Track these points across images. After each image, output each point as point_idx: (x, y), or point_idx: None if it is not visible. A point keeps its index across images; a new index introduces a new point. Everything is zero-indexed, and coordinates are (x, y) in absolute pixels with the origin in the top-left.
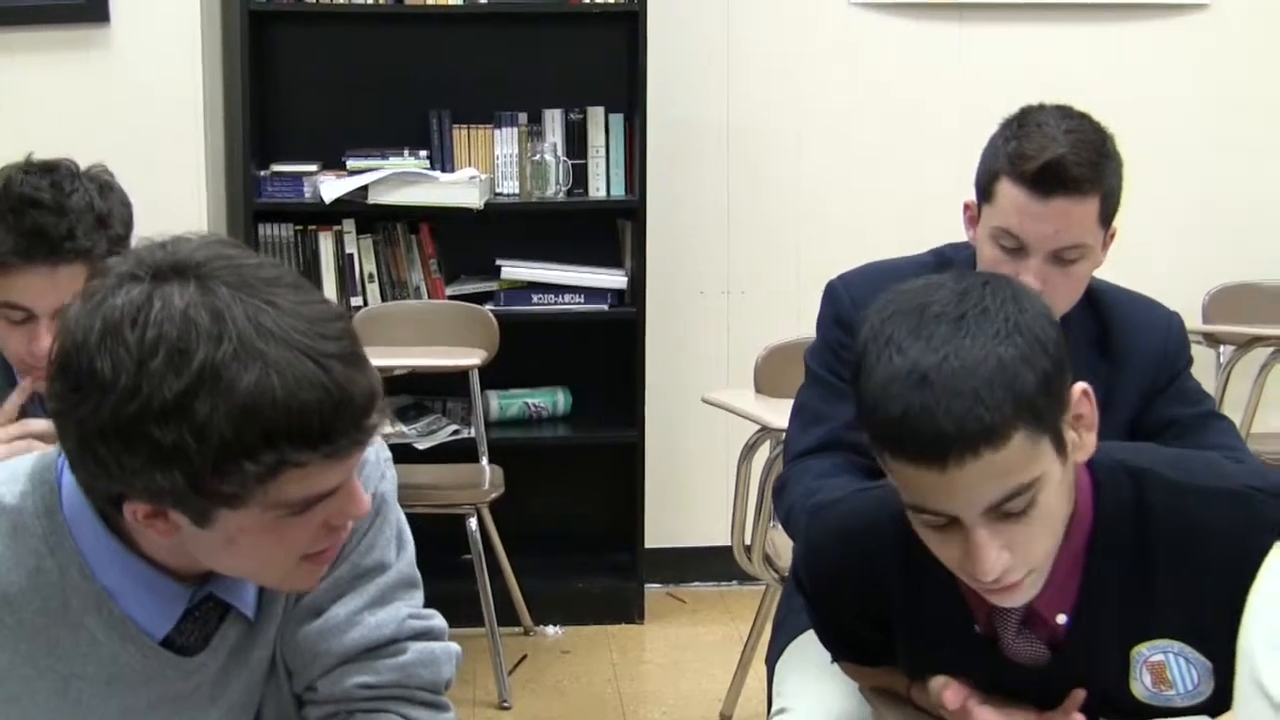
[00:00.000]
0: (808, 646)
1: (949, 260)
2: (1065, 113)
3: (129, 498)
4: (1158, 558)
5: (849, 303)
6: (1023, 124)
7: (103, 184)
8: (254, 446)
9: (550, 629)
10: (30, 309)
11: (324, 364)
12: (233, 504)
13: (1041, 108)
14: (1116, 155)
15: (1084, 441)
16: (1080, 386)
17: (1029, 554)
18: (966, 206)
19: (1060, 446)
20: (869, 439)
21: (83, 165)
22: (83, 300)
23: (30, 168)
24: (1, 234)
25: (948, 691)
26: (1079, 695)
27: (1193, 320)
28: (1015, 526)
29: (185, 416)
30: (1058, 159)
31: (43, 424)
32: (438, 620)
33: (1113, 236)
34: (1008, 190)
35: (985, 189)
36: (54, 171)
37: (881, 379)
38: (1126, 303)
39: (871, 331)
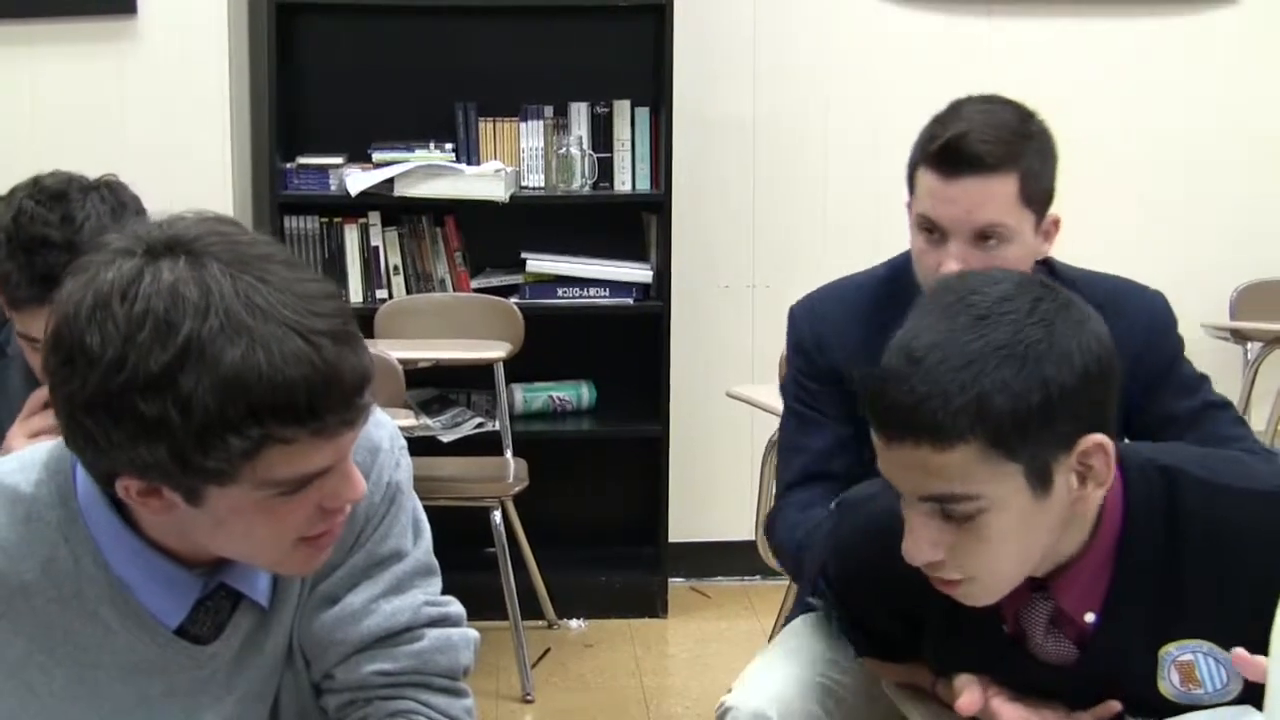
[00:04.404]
0: (785, 637)
1: (902, 268)
2: (988, 99)
3: (120, 473)
4: (1188, 557)
5: (807, 329)
6: (942, 113)
7: (115, 204)
8: (238, 421)
9: (573, 622)
10: None
11: (313, 341)
12: (220, 480)
13: (968, 98)
14: (1041, 136)
15: (1087, 495)
16: (1097, 440)
17: (967, 564)
18: (908, 206)
19: (1041, 483)
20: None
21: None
22: (76, 275)
23: (40, 194)
24: (14, 273)
25: (962, 698)
26: (1113, 706)
27: (1220, 317)
28: (956, 532)
29: (170, 389)
30: (960, 135)
31: None
32: (455, 606)
33: (1056, 225)
34: (922, 176)
35: (909, 181)
36: (64, 200)
37: (893, 341)
38: (1104, 287)
39: (924, 298)
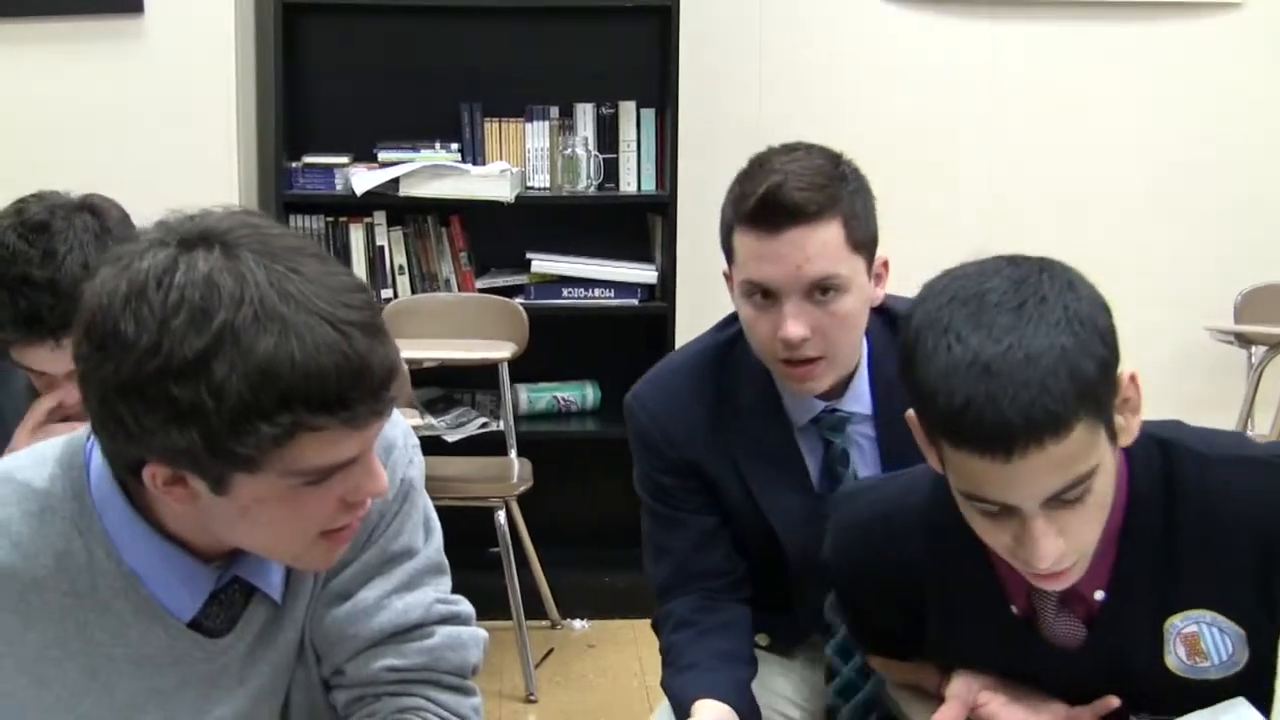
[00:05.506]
0: None
1: (729, 341)
2: (791, 148)
3: (148, 460)
4: (1187, 528)
5: (649, 421)
6: (748, 170)
7: (99, 229)
8: (271, 408)
9: (577, 622)
10: (45, 373)
11: (344, 331)
12: (250, 468)
13: (770, 150)
14: (855, 178)
15: (1130, 426)
16: (1129, 372)
17: (1081, 540)
18: (727, 276)
19: (1112, 433)
20: (925, 427)
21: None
22: (110, 264)
23: (22, 226)
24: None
25: (938, 713)
26: (1111, 701)
27: (1224, 320)
28: (1070, 514)
29: (204, 375)
30: (776, 186)
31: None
32: (465, 605)
33: (886, 267)
34: (741, 240)
35: (726, 248)
36: (47, 231)
37: (942, 368)
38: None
39: (927, 319)
